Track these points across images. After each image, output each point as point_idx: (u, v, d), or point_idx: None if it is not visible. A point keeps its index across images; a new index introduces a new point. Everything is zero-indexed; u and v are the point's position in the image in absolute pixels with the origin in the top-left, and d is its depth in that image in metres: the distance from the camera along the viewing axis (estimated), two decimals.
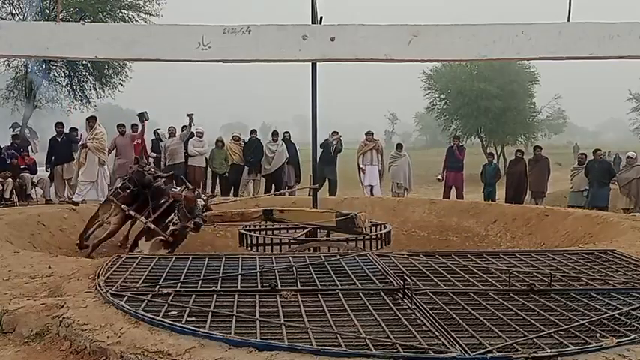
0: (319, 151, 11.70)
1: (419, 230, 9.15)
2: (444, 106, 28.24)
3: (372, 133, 12.74)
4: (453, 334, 2.63)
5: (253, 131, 12.73)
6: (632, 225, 6.49)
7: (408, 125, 66.94)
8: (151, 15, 17.69)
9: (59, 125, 11.02)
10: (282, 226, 7.08)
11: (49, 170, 10.88)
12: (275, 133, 12.49)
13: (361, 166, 12.39)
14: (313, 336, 2.58)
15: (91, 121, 9.83)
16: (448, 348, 2.46)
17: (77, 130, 11.47)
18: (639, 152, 12.16)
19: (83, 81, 18.90)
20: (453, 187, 12.55)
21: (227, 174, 12.01)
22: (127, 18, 17.62)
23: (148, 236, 6.66)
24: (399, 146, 13.43)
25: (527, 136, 28.25)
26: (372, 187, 12.27)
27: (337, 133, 12.81)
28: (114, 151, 11.08)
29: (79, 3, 16.72)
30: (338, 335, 2.59)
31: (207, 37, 3.60)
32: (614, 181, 11.58)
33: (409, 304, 3.11)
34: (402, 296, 3.25)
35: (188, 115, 11.34)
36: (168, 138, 11.70)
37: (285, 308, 3.02)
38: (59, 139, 10.75)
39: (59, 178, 10.50)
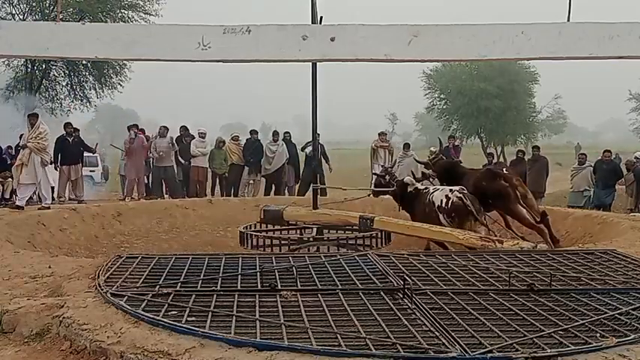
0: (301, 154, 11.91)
1: None
2: (444, 106, 28.19)
3: (386, 134, 12.72)
4: (453, 334, 2.63)
5: (254, 131, 12.71)
6: (632, 225, 6.50)
7: (408, 125, 66.69)
8: (150, 15, 17.72)
9: (69, 125, 10.92)
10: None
11: (57, 169, 10.78)
12: (276, 133, 12.49)
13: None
14: (313, 336, 2.58)
15: (32, 118, 8.86)
16: (448, 348, 2.46)
17: (79, 130, 11.46)
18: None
19: (83, 81, 18.90)
20: None
21: (227, 174, 12.01)
22: (126, 18, 17.63)
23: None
24: (407, 145, 13.27)
25: (528, 136, 28.23)
26: None
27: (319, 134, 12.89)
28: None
29: (79, 3, 16.73)
30: (338, 335, 2.59)
31: (207, 37, 3.59)
32: (621, 182, 11.55)
33: (409, 304, 3.11)
34: (402, 296, 3.25)
35: None
36: (158, 137, 11.53)
37: (285, 308, 3.02)
38: (69, 140, 10.60)
39: (64, 177, 10.45)
